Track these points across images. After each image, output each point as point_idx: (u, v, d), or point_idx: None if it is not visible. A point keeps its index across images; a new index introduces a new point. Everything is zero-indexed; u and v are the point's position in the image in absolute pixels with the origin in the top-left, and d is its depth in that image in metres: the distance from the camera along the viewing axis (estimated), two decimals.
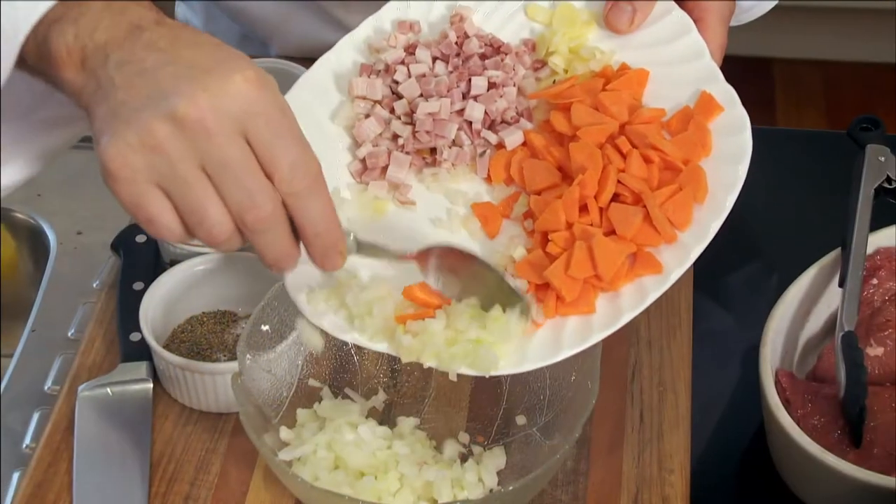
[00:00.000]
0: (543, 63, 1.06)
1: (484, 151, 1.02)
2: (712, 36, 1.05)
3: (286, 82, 1.32)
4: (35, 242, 1.35)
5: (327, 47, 1.39)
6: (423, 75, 1.03)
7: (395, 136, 1.02)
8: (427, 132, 1.01)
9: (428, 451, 1.03)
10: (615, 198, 0.97)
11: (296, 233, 0.86)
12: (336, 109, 1.04)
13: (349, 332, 0.95)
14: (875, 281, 1.10)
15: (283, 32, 1.42)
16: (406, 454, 1.00)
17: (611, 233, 0.96)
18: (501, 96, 1.03)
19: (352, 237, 0.91)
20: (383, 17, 1.07)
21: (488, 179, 1.02)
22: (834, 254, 1.11)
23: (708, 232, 0.95)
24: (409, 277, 0.95)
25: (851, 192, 1.13)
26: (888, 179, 1.15)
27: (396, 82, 1.04)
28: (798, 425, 1.00)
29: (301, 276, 0.95)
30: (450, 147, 1.02)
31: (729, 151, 0.98)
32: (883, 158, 1.15)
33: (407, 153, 1.02)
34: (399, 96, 1.03)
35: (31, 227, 1.35)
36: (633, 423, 1.08)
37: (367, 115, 1.03)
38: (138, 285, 1.16)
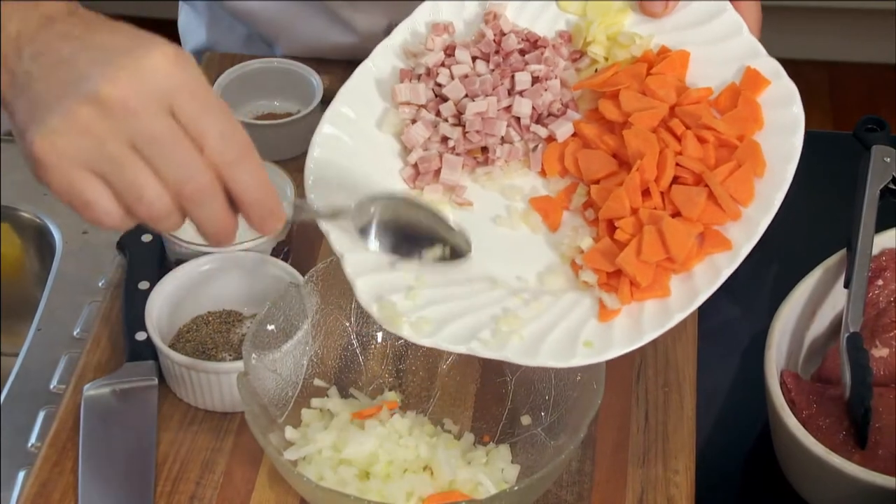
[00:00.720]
0: (581, 53, 1.06)
1: (536, 146, 1.03)
2: (748, 12, 1.06)
3: (291, 82, 1.33)
4: (41, 242, 1.35)
5: (333, 48, 1.39)
6: (466, 76, 1.04)
7: (445, 139, 1.03)
8: (477, 132, 1.01)
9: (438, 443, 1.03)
10: (675, 180, 0.97)
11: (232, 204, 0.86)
12: (381, 117, 1.05)
13: (429, 337, 0.94)
14: (880, 282, 1.10)
15: (288, 33, 1.42)
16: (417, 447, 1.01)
17: (676, 215, 0.96)
18: (546, 90, 1.03)
19: (286, 204, 0.91)
20: (417, 20, 1.08)
21: (542, 173, 1.03)
22: (839, 255, 1.11)
23: (772, 204, 0.96)
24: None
25: (857, 192, 1.13)
26: (894, 180, 1.14)
27: (439, 85, 1.04)
28: (803, 426, 1.00)
29: (372, 287, 0.96)
30: (500, 144, 1.02)
31: (781, 123, 0.99)
32: (888, 159, 1.15)
33: (458, 154, 1.02)
34: (443, 98, 1.04)
35: (37, 227, 1.35)
36: (639, 424, 1.08)
37: (414, 121, 1.03)
38: (144, 285, 1.16)
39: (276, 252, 1.16)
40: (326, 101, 1.31)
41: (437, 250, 0.96)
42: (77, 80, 0.80)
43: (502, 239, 1.01)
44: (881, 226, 1.12)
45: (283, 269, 1.13)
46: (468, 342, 0.94)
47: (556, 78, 1.04)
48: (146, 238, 1.20)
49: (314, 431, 1.02)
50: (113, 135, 0.80)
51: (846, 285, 1.08)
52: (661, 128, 0.99)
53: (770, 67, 1.02)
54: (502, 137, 1.02)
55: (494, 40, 1.05)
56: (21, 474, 1.11)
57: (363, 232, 0.96)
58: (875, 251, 1.10)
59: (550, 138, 1.03)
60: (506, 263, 0.99)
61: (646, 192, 0.97)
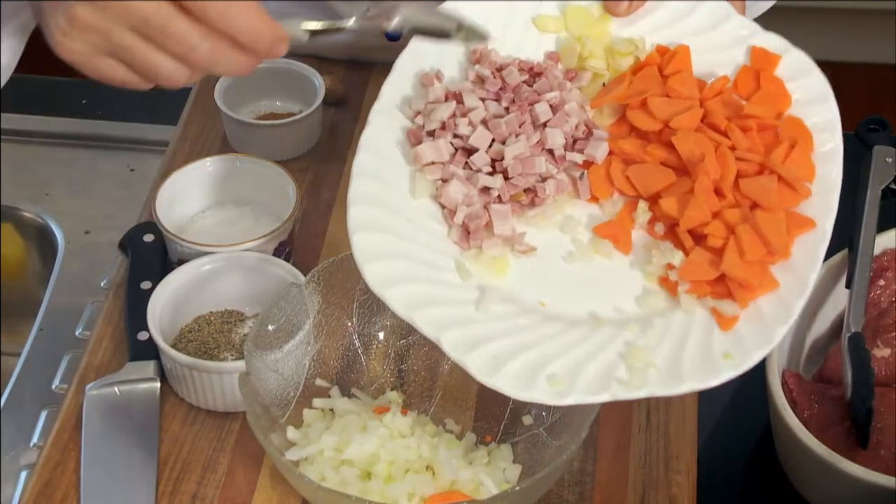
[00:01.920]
0: (576, 72, 1.04)
1: (582, 173, 0.99)
2: None
3: (293, 82, 1.33)
4: (43, 242, 1.35)
5: (331, 45, 1.39)
6: (485, 120, 0.99)
7: (485, 189, 0.97)
8: (520, 175, 0.97)
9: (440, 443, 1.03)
10: (739, 174, 0.96)
11: None
12: (411, 184, 0.98)
13: (568, 396, 0.90)
14: (882, 282, 1.10)
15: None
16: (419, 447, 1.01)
17: (754, 207, 0.95)
18: (569, 115, 1.00)
19: (300, 28, 0.94)
20: (400, 74, 1.02)
21: (592, 199, 0.99)
22: (841, 255, 1.11)
23: (834, 176, 0.95)
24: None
25: (858, 193, 1.13)
26: (895, 180, 1.15)
27: (458, 136, 0.98)
28: (805, 426, 1.00)
29: (435, 320, 0.92)
30: (543, 181, 0.98)
31: (808, 94, 0.99)
32: (890, 159, 1.15)
33: (504, 202, 0.97)
34: (468, 150, 0.98)
35: (39, 227, 1.35)
36: (640, 424, 1.08)
37: (446, 180, 0.97)
38: (146, 284, 1.16)
39: (278, 252, 1.16)
40: (328, 101, 1.32)
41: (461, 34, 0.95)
42: None
43: (580, 275, 0.97)
44: (883, 226, 1.12)
45: (284, 269, 1.13)
46: (608, 389, 0.90)
47: (572, 101, 1.01)
48: (148, 238, 1.20)
49: (316, 432, 1.02)
50: (112, 25, 0.86)
51: (848, 285, 1.08)
52: (702, 126, 0.98)
53: (774, 43, 1.01)
54: (541, 174, 0.98)
55: (495, 76, 1.01)
56: (23, 474, 1.12)
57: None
58: (877, 251, 1.10)
59: (587, 163, 1.00)
60: (597, 298, 0.96)
61: (716, 192, 0.95)
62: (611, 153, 1.00)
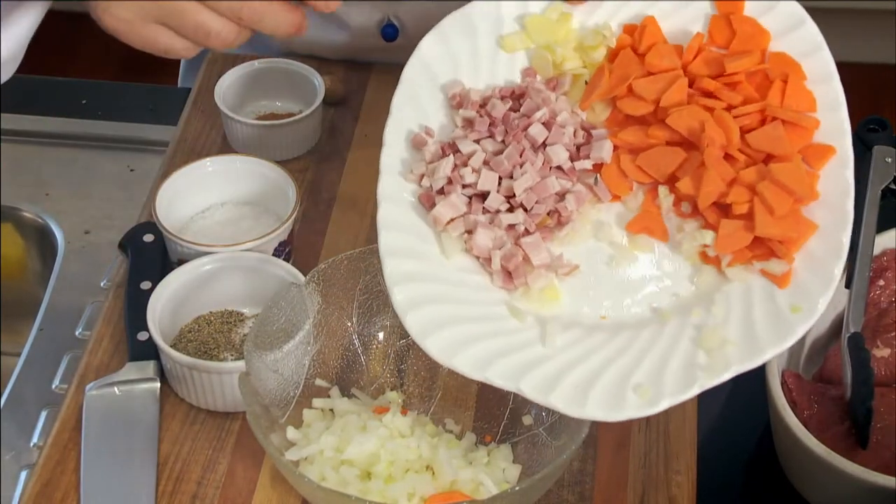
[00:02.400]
0: (556, 79, 1.03)
1: (595, 177, 0.98)
2: None
3: (293, 82, 1.33)
4: (43, 242, 1.35)
5: (329, 45, 1.39)
6: (487, 161, 0.98)
7: (510, 227, 0.96)
8: (537, 202, 0.96)
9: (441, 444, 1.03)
10: (743, 130, 0.95)
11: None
12: (440, 247, 0.97)
13: (659, 402, 0.90)
14: (882, 282, 1.10)
15: None
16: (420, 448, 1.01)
17: (769, 159, 0.94)
18: (563, 126, 0.99)
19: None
20: (392, 139, 0.99)
21: (615, 199, 0.99)
22: None
23: (838, 95, 0.96)
24: None
25: (858, 193, 1.13)
26: (895, 181, 1.15)
27: (468, 185, 0.97)
28: (805, 426, 1.00)
29: (509, 371, 0.92)
30: (562, 199, 0.97)
31: (790, 46, 0.98)
32: (890, 160, 1.15)
33: (532, 233, 0.96)
34: (481, 195, 0.97)
35: (39, 227, 1.35)
36: (640, 424, 1.08)
37: (471, 231, 0.96)
38: (146, 285, 1.16)
39: (278, 252, 1.16)
40: (328, 101, 1.33)
41: None
42: None
43: (629, 275, 0.97)
44: (882, 226, 1.12)
45: (284, 269, 1.13)
46: (695, 380, 0.90)
47: (562, 111, 1.00)
48: (148, 238, 1.20)
49: (316, 432, 1.02)
50: None
51: (847, 285, 1.08)
52: (693, 95, 0.97)
53: None
54: (557, 193, 0.97)
55: (480, 114, 1.00)
56: (23, 474, 1.12)
57: None
58: (876, 251, 1.10)
59: (597, 166, 0.99)
60: (653, 293, 0.96)
61: (728, 158, 0.95)
62: (616, 148, 0.99)
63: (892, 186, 1.14)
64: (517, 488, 0.95)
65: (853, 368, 1.02)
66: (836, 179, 0.94)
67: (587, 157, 0.98)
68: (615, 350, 0.93)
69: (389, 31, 1.37)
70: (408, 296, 0.93)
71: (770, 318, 0.91)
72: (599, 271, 0.97)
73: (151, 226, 1.20)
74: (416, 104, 1.00)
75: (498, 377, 0.91)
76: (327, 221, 1.25)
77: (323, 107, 1.31)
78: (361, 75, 1.40)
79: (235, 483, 1.05)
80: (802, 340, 1.10)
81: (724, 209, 0.94)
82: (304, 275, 1.07)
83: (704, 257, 0.95)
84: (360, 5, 1.36)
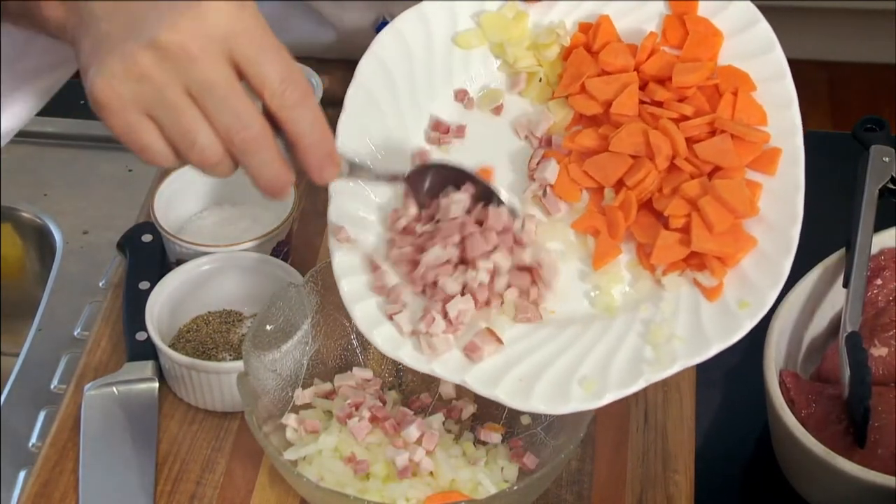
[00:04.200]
0: (514, 79, 1.04)
1: (544, 191, 0.98)
2: None
3: None
4: (41, 242, 1.35)
5: (323, 47, 1.39)
6: (411, 262, 0.95)
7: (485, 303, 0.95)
8: (483, 267, 0.94)
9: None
10: (690, 141, 0.96)
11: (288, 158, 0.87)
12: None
13: (603, 395, 0.91)
14: (879, 281, 1.10)
15: (278, 33, 1.42)
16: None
17: (715, 171, 0.95)
18: (450, 234, 0.95)
19: (344, 160, 0.91)
20: (345, 138, 1.00)
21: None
22: (838, 254, 1.11)
23: (790, 93, 0.96)
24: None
25: (856, 192, 1.13)
26: (892, 180, 1.15)
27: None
28: (802, 425, 1.00)
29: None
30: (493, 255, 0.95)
31: (744, 45, 0.99)
32: (887, 159, 1.15)
33: (489, 301, 0.95)
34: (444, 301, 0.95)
35: (38, 227, 1.35)
36: (638, 423, 1.08)
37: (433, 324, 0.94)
38: (144, 285, 1.16)
39: (276, 252, 1.16)
40: (326, 101, 1.32)
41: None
42: (138, 22, 0.81)
43: (580, 271, 0.98)
44: (880, 225, 1.12)
45: (283, 269, 1.13)
46: (641, 374, 0.91)
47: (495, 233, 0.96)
48: (147, 238, 1.20)
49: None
50: (170, 81, 0.81)
51: (845, 284, 1.08)
52: (644, 104, 0.98)
53: None
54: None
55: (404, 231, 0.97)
56: (22, 474, 1.12)
57: (415, 199, 0.96)
58: (874, 250, 1.10)
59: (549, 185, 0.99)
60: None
61: (674, 168, 0.95)
62: (570, 152, 0.99)
63: (890, 186, 1.14)
64: (515, 488, 0.95)
65: (851, 367, 1.02)
66: (788, 175, 0.95)
67: (533, 178, 0.99)
68: (563, 344, 0.94)
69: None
70: (354, 287, 0.95)
71: (718, 313, 0.92)
72: (572, 276, 0.97)
73: (150, 226, 1.20)
74: (370, 100, 1.01)
75: (442, 370, 0.92)
76: (325, 222, 1.25)
77: (321, 106, 1.31)
78: None
79: (234, 483, 1.05)
80: (800, 340, 1.11)
81: (664, 221, 0.95)
82: (303, 275, 1.08)
83: (644, 261, 0.96)
84: (355, 5, 1.36)
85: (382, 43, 1.03)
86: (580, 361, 0.92)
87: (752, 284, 0.92)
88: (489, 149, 1.02)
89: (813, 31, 2.75)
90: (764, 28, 1.00)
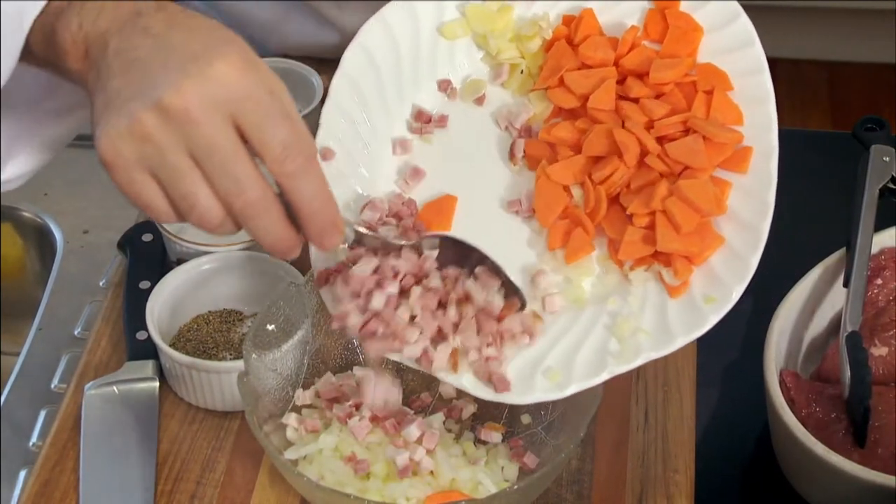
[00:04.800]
0: (496, 70, 1.04)
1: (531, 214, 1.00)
2: None
3: (291, 82, 1.33)
4: (42, 241, 1.35)
5: (324, 48, 1.39)
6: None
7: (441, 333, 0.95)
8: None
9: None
10: (664, 139, 0.96)
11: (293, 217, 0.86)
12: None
13: (567, 386, 0.93)
14: (879, 281, 1.10)
15: (279, 34, 1.42)
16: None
17: (685, 170, 0.95)
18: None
19: (349, 228, 0.90)
20: (328, 125, 1.02)
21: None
22: (838, 254, 1.11)
23: (768, 88, 0.97)
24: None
25: (856, 192, 1.13)
26: (893, 180, 1.15)
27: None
28: (802, 425, 1.00)
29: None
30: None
31: (724, 40, 0.99)
32: (888, 159, 1.15)
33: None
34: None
35: (38, 226, 1.36)
36: (638, 423, 1.08)
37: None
38: (145, 284, 1.16)
39: None
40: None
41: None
42: (147, 83, 0.81)
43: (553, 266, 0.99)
44: (880, 225, 1.12)
45: (283, 269, 1.13)
46: (605, 366, 0.92)
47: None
48: (147, 238, 1.20)
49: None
50: (173, 143, 0.81)
51: (845, 284, 1.08)
52: (620, 101, 0.99)
53: None
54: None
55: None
56: (22, 473, 1.12)
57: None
58: (874, 250, 1.10)
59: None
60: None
61: (643, 167, 0.96)
62: (553, 144, 1.00)
63: (890, 185, 1.14)
64: (516, 487, 0.95)
65: (851, 367, 1.02)
66: (761, 170, 0.95)
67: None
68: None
69: None
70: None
71: (683, 308, 0.93)
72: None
73: (150, 225, 1.20)
74: (355, 89, 1.02)
75: (408, 360, 0.93)
76: None
77: (321, 106, 1.31)
78: None
79: (234, 482, 1.05)
80: (800, 339, 1.11)
81: (629, 218, 0.96)
82: (303, 274, 1.07)
83: (613, 255, 0.97)
84: (354, 8, 1.36)
85: (369, 32, 1.03)
86: (546, 353, 0.94)
87: (719, 279, 0.93)
88: (470, 138, 1.03)
89: (813, 31, 2.75)
90: (744, 23, 1.00)
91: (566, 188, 0.99)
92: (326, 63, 1.38)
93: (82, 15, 0.84)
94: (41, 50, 0.86)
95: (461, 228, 1.00)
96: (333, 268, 0.97)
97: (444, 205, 1.01)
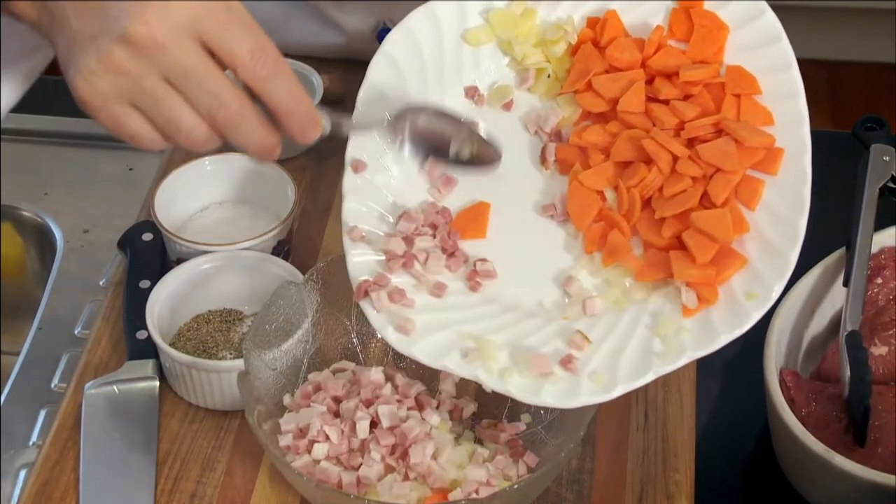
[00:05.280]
0: (523, 76, 1.04)
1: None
2: None
3: None
4: (42, 241, 1.35)
5: (324, 48, 1.39)
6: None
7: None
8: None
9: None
10: (694, 141, 0.96)
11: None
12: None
13: (612, 389, 0.92)
14: (879, 280, 1.10)
15: (280, 34, 1.41)
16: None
17: (717, 172, 0.95)
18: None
19: (325, 119, 0.93)
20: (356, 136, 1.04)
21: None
22: (838, 253, 1.11)
23: (797, 83, 0.96)
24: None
25: (856, 191, 1.13)
26: (893, 179, 1.15)
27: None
28: (802, 424, 1.00)
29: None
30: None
31: (751, 37, 0.99)
32: (888, 158, 1.15)
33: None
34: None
35: (38, 226, 1.36)
36: (638, 422, 1.08)
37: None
38: (145, 283, 1.16)
39: (277, 251, 1.16)
40: (326, 100, 1.32)
41: (466, 148, 0.96)
42: (108, 18, 0.83)
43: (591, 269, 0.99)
44: (880, 224, 1.12)
45: (283, 268, 1.13)
46: (650, 367, 0.91)
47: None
48: (147, 237, 1.20)
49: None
50: (146, 71, 0.84)
51: (845, 283, 1.08)
52: (649, 103, 0.99)
53: None
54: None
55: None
56: (22, 473, 1.12)
57: (398, 144, 0.97)
58: (874, 249, 1.10)
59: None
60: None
61: (674, 173, 0.96)
62: (585, 149, 1.00)
63: (890, 185, 1.14)
64: (516, 486, 0.95)
65: (851, 366, 1.02)
66: (794, 166, 0.95)
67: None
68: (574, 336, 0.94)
69: (385, 36, 1.37)
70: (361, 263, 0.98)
71: (725, 305, 0.92)
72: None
73: (150, 225, 1.20)
74: (381, 99, 1.02)
75: (454, 366, 0.94)
76: (326, 220, 1.25)
77: (321, 105, 1.31)
78: (360, 74, 1.38)
79: (234, 482, 1.05)
80: (801, 338, 1.11)
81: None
82: (303, 273, 1.08)
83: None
84: (355, 9, 1.36)
85: (393, 41, 1.03)
86: (591, 356, 0.93)
87: (759, 276, 0.92)
88: (500, 144, 1.03)
89: (813, 31, 2.75)
90: (770, 18, 1.00)
91: (599, 192, 0.99)
92: (327, 63, 1.38)
93: None
94: None
95: (496, 234, 1.01)
96: (373, 279, 0.97)
97: (478, 212, 1.01)
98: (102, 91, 0.84)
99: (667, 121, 0.97)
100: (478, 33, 1.04)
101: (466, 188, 1.02)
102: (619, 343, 0.93)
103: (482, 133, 0.96)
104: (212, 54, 0.85)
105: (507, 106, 1.04)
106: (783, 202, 0.94)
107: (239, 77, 0.87)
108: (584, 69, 1.01)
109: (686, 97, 0.99)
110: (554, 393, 0.92)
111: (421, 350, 0.95)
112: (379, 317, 0.96)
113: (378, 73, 1.02)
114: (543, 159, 1.02)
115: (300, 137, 0.91)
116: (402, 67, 1.03)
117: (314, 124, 0.91)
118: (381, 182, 1.01)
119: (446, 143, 0.96)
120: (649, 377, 0.91)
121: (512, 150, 1.02)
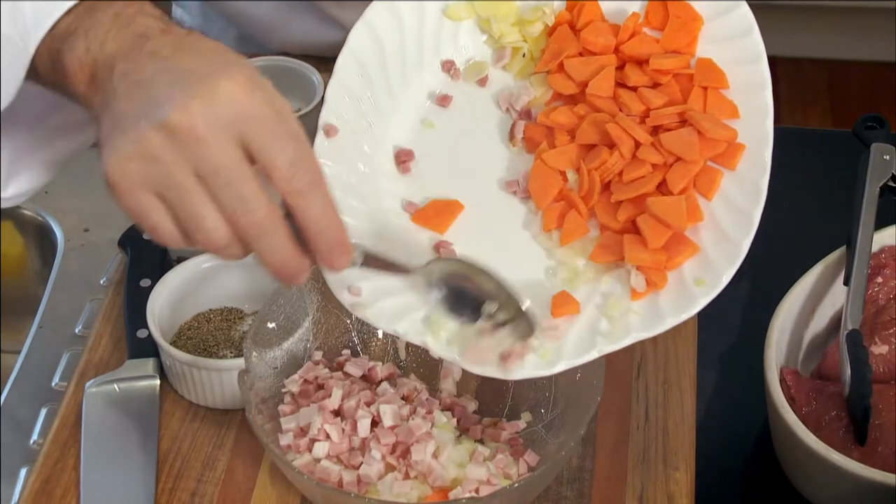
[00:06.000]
0: (499, 53, 1.05)
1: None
2: None
3: (292, 80, 1.33)
4: (43, 239, 1.35)
5: (325, 46, 1.39)
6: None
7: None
8: None
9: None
10: (659, 129, 0.97)
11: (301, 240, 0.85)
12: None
13: (558, 362, 0.93)
14: (880, 279, 1.11)
15: (281, 33, 1.42)
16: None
17: (677, 161, 0.95)
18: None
19: (358, 249, 0.89)
20: (332, 101, 1.03)
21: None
22: (839, 252, 1.11)
23: (765, 102, 0.97)
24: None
25: (856, 190, 1.13)
26: (893, 178, 1.15)
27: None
28: (803, 423, 1.00)
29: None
30: None
31: (723, 28, 1.00)
32: (888, 157, 1.16)
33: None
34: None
35: (39, 225, 1.35)
36: (639, 421, 1.08)
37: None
38: (145, 282, 1.16)
39: None
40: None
41: (492, 305, 0.93)
42: (153, 104, 0.80)
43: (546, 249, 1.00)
44: (881, 223, 1.12)
45: None
46: (594, 345, 0.93)
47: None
48: (148, 236, 1.20)
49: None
50: (179, 163, 0.80)
51: (846, 282, 1.08)
52: (618, 88, 0.99)
53: None
54: None
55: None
56: (23, 471, 1.12)
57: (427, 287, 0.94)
58: (874, 248, 1.10)
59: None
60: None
61: (635, 160, 0.97)
62: (551, 129, 1.01)
63: (890, 184, 1.14)
64: (516, 485, 0.95)
65: (851, 365, 1.03)
66: (755, 158, 0.96)
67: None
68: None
69: None
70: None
71: (673, 289, 0.93)
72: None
73: None
74: (360, 67, 1.03)
75: (406, 331, 0.95)
76: None
77: (322, 104, 1.31)
78: None
79: (235, 480, 1.05)
80: (801, 337, 1.11)
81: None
82: None
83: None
84: (356, 7, 1.36)
85: (375, 11, 1.04)
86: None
87: (711, 263, 0.93)
88: (472, 119, 1.04)
89: (813, 30, 2.75)
90: (743, 11, 1.01)
91: (562, 172, 0.99)
92: (327, 61, 1.38)
93: (89, 38, 0.84)
94: (47, 72, 0.86)
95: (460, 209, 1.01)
96: None
97: (447, 208, 1.01)
98: (131, 175, 0.80)
99: (633, 107, 0.98)
100: (458, 9, 1.06)
101: (436, 160, 1.03)
102: (567, 320, 0.94)
103: (523, 305, 0.93)
104: (251, 157, 0.82)
105: (482, 82, 1.06)
106: (740, 193, 0.95)
107: (275, 187, 0.82)
108: (558, 50, 1.02)
109: (655, 85, 1.00)
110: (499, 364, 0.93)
111: (374, 313, 0.95)
112: (336, 278, 0.96)
113: (358, 41, 1.03)
114: (512, 136, 1.03)
115: (328, 261, 0.86)
116: (381, 37, 1.04)
117: (344, 250, 0.86)
118: (352, 148, 1.02)
119: (480, 300, 0.94)
120: (593, 355, 0.93)
121: (482, 125, 1.04)
